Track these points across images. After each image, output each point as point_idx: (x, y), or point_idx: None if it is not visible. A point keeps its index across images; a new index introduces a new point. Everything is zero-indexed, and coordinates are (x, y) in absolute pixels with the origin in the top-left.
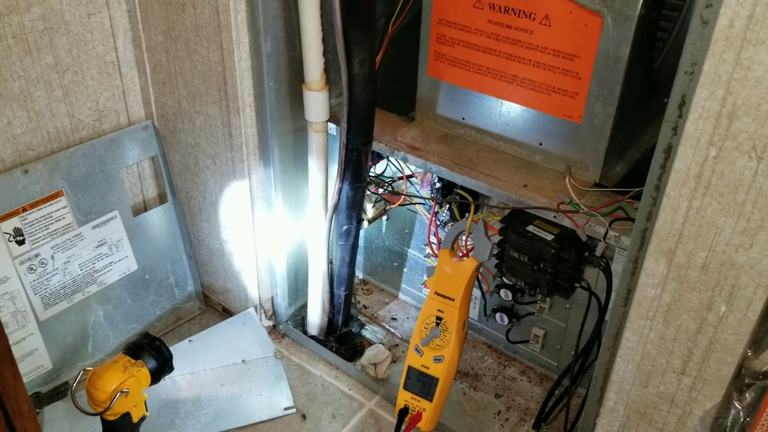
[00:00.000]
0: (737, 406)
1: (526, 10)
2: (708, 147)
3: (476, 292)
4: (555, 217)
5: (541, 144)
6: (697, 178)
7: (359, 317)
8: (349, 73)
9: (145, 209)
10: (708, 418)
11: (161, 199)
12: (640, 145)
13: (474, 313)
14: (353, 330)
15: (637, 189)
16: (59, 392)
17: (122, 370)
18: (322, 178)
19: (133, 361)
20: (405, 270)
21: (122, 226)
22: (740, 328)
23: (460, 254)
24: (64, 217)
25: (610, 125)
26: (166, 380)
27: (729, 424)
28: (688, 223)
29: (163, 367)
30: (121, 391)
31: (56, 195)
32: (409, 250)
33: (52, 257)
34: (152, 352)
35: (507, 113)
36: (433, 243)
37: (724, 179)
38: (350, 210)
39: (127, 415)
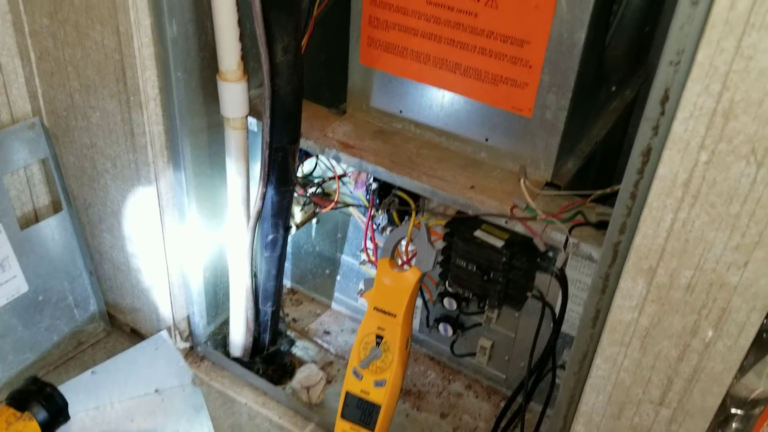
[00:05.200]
0: None
1: None
2: (699, 151)
3: (418, 302)
4: (506, 222)
5: (487, 140)
6: (685, 186)
7: (288, 333)
8: (271, 62)
9: (36, 220)
10: None
11: (55, 208)
12: (590, 138)
13: (415, 323)
14: (282, 348)
15: (599, 192)
16: None
17: (5, 426)
18: (242, 181)
19: (18, 414)
20: (338, 278)
21: (8, 241)
22: (730, 356)
23: (401, 263)
24: None
25: (564, 119)
26: None
27: None
28: (673, 237)
29: (56, 417)
30: None
31: None
32: (343, 256)
33: None
34: (42, 401)
35: (449, 105)
36: (370, 249)
37: (717, 188)
38: (276, 217)
39: None
